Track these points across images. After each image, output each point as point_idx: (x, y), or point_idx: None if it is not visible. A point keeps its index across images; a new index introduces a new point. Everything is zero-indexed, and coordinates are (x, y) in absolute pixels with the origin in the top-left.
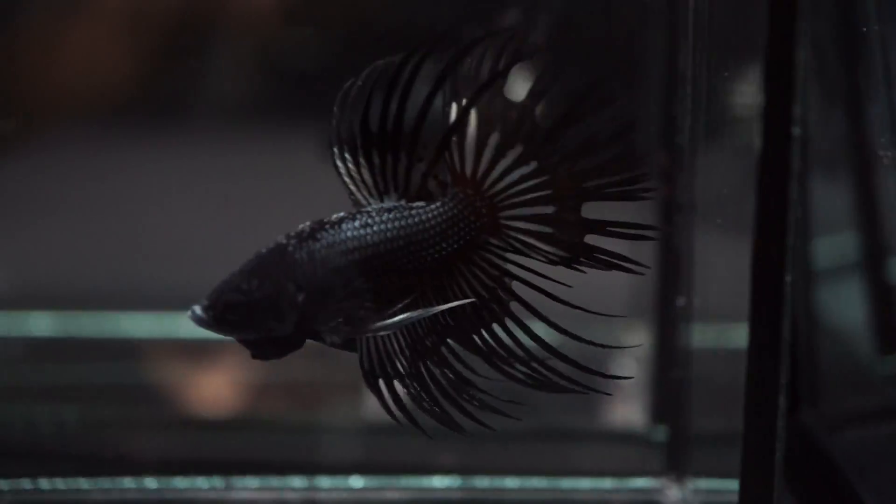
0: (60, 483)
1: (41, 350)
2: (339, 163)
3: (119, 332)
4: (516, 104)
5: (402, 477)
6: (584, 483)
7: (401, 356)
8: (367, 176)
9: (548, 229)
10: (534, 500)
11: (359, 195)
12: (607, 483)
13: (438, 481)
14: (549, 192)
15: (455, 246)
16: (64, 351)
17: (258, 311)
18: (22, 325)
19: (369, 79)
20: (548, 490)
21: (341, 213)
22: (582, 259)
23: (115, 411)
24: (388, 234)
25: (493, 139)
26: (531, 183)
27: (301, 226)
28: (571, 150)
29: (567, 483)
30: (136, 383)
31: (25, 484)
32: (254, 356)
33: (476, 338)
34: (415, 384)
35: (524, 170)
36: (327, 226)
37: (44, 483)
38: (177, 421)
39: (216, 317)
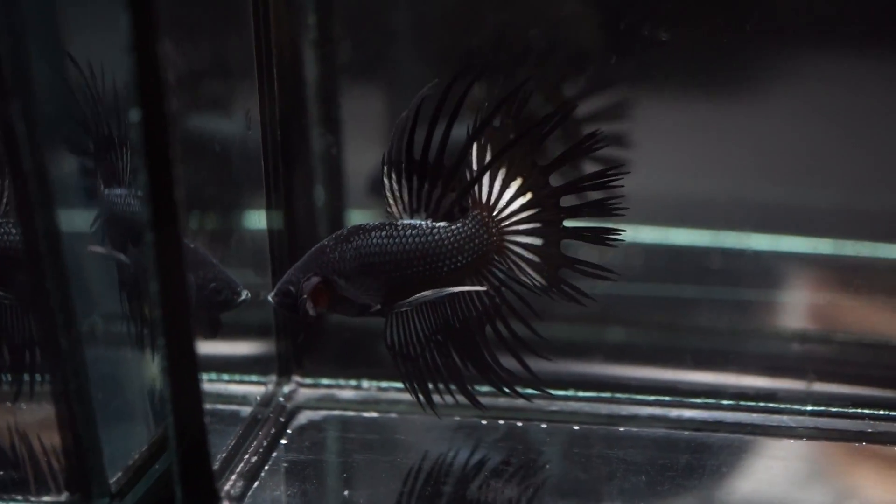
0: None
1: None
2: (385, 179)
3: None
4: (523, 146)
5: None
6: None
7: (415, 341)
8: (405, 195)
9: (535, 258)
10: None
11: (394, 209)
12: None
13: None
14: (539, 222)
15: (469, 259)
16: None
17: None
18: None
19: (416, 108)
20: None
21: (376, 223)
22: (553, 290)
23: None
24: (407, 247)
25: (502, 173)
26: (527, 213)
27: (342, 230)
28: (559, 186)
29: None
30: None
31: None
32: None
33: (475, 336)
34: (419, 364)
35: (522, 200)
36: (361, 232)
37: None
38: None
39: (277, 303)
